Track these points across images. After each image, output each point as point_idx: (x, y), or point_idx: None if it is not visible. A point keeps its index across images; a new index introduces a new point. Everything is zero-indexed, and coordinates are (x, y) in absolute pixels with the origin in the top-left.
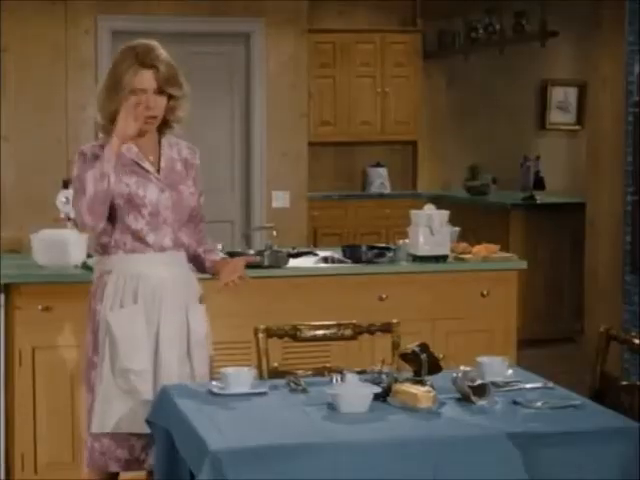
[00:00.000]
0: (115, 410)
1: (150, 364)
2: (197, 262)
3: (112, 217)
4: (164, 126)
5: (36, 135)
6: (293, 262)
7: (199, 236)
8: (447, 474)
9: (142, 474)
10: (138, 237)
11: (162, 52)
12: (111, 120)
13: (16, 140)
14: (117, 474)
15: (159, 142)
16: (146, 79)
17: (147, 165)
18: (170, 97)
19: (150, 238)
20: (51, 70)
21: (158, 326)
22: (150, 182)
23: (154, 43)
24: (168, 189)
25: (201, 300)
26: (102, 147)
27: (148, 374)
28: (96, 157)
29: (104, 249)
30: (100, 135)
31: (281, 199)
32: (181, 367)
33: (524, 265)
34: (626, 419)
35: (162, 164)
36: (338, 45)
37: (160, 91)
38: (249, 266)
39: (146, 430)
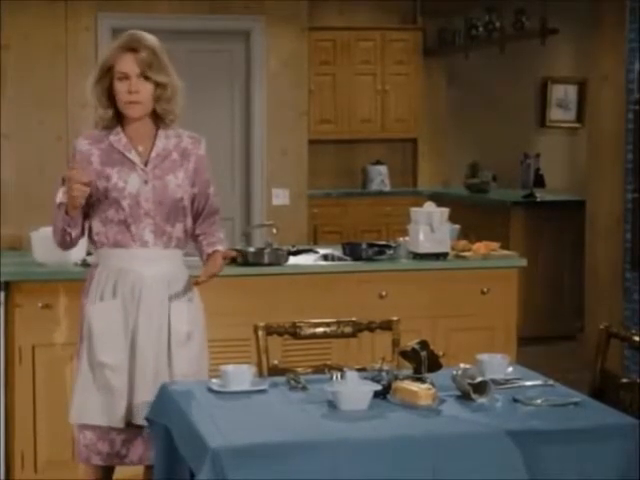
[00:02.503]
0: (91, 402)
1: (126, 360)
2: (199, 251)
3: (92, 212)
4: (158, 119)
5: (36, 133)
6: (293, 260)
7: (209, 229)
8: (447, 471)
9: (139, 473)
10: (120, 229)
11: (148, 38)
12: (100, 104)
13: (16, 138)
14: (112, 471)
15: (154, 134)
16: (127, 63)
17: (132, 155)
18: (156, 85)
19: (132, 229)
20: (51, 68)
21: (136, 323)
22: (133, 172)
23: (141, 31)
24: (153, 180)
25: (192, 299)
26: (96, 141)
27: (123, 370)
28: (87, 157)
29: (92, 243)
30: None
31: (281, 196)
32: (158, 365)
33: (524, 263)
34: (626, 416)
35: (153, 154)
36: (338, 43)
37: (145, 77)
38: (248, 264)
39: (120, 425)
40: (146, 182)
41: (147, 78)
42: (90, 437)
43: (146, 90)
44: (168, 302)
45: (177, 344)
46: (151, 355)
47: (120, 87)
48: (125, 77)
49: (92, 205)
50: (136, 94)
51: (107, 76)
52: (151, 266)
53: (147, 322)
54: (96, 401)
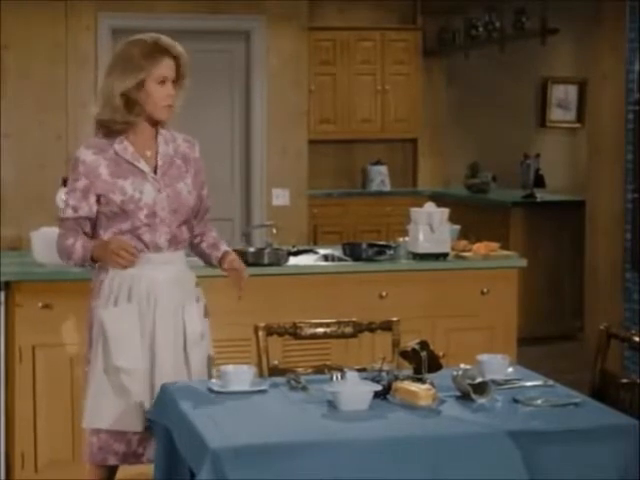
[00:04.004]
0: (106, 407)
1: (144, 364)
2: (202, 256)
3: (104, 224)
4: (157, 122)
5: (36, 132)
6: (293, 260)
7: (204, 229)
8: (447, 472)
9: (142, 473)
10: (134, 237)
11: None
12: (127, 107)
13: (16, 137)
14: (115, 468)
15: (155, 137)
16: (169, 67)
17: (142, 165)
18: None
19: (146, 237)
20: (51, 67)
21: (154, 326)
22: (146, 182)
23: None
24: (165, 188)
25: (199, 299)
26: (101, 150)
27: (140, 373)
28: (94, 169)
29: None
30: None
31: (281, 197)
32: (177, 367)
33: (524, 263)
34: (626, 417)
35: (159, 162)
36: (338, 42)
37: (175, 81)
38: (248, 264)
39: (138, 428)
40: (159, 191)
41: (175, 83)
42: (105, 438)
43: (175, 94)
44: (181, 303)
45: (192, 344)
46: (170, 358)
47: (160, 91)
48: (164, 81)
49: (106, 218)
50: (172, 98)
51: (140, 78)
52: (164, 269)
53: (164, 324)
54: (111, 405)
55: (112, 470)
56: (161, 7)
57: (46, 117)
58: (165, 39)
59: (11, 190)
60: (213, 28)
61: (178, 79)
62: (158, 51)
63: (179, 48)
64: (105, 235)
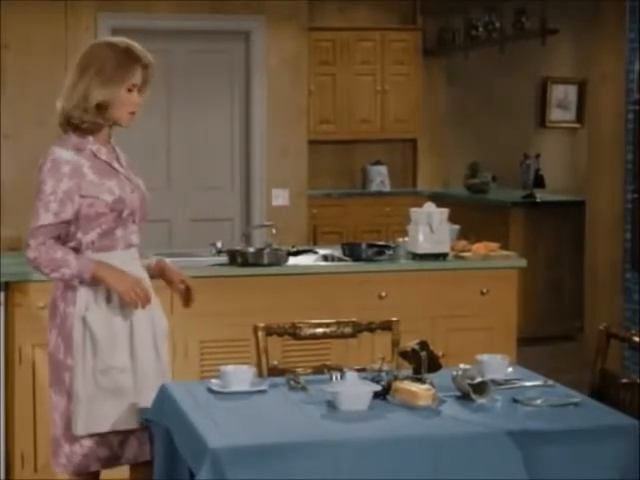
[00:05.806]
0: (100, 410)
1: (129, 361)
2: None
3: (86, 225)
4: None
5: (36, 133)
6: (293, 260)
7: None
8: (447, 472)
9: (123, 474)
10: (108, 234)
11: None
12: (98, 110)
13: (16, 138)
14: (98, 474)
15: (108, 140)
16: (140, 76)
17: (117, 165)
18: None
19: (118, 234)
20: (51, 67)
21: (131, 323)
22: (124, 182)
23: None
24: (136, 189)
25: (153, 292)
26: (78, 149)
27: (129, 371)
28: (78, 169)
29: (74, 250)
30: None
31: (281, 197)
32: (155, 362)
33: (524, 263)
34: (626, 416)
35: (122, 162)
36: (338, 43)
37: (139, 89)
38: (248, 264)
39: (131, 426)
40: (133, 191)
41: (139, 90)
42: (90, 445)
43: None
44: None
45: (161, 338)
46: (150, 354)
47: (130, 98)
48: (132, 89)
49: (86, 220)
50: (138, 105)
51: (117, 86)
52: (132, 266)
53: (141, 321)
54: (105, 407)
55: (95, 476)
56: (161, 7)
57: (46, 117)
58: (137, 47)
59: (11, 191)
60: (213, 28)
61: (142, 87)
62: (132, 59)
63: (150, 57)
64: (85, 238)
